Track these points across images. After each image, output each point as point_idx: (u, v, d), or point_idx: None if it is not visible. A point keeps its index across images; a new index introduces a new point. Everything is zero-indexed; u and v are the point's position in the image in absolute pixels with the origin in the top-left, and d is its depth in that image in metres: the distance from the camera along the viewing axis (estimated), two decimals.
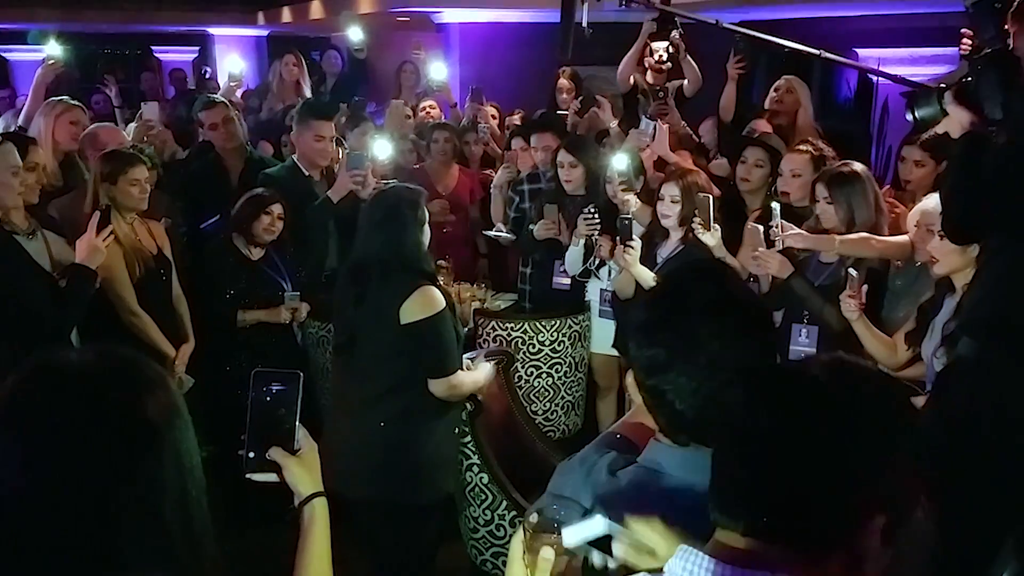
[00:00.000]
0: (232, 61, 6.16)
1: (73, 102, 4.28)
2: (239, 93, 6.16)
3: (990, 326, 2.37)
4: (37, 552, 1.02)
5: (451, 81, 8.50)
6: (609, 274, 4.09)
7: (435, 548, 3.12)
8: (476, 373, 3.13)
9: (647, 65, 5.52)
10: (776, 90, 4.94)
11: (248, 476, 1.45)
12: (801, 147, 3.80)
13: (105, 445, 1.03)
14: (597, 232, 3.95)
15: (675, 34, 4.92)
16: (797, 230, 3.23)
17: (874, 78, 6.48)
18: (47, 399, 1.05)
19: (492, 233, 4.74)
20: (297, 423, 1.46)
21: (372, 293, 2.89)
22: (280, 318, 3.85)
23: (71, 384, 1.06)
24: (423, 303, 2.82)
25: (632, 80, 5.49)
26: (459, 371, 2.98)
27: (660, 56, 5.45)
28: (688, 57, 5.27)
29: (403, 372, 2.88)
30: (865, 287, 3.01)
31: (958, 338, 2.56)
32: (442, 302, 2.86)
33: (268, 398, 1.45)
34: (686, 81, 5.44)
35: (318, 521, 1.47)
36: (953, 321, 2.70)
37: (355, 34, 7.02)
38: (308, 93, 5.94)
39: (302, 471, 1.46)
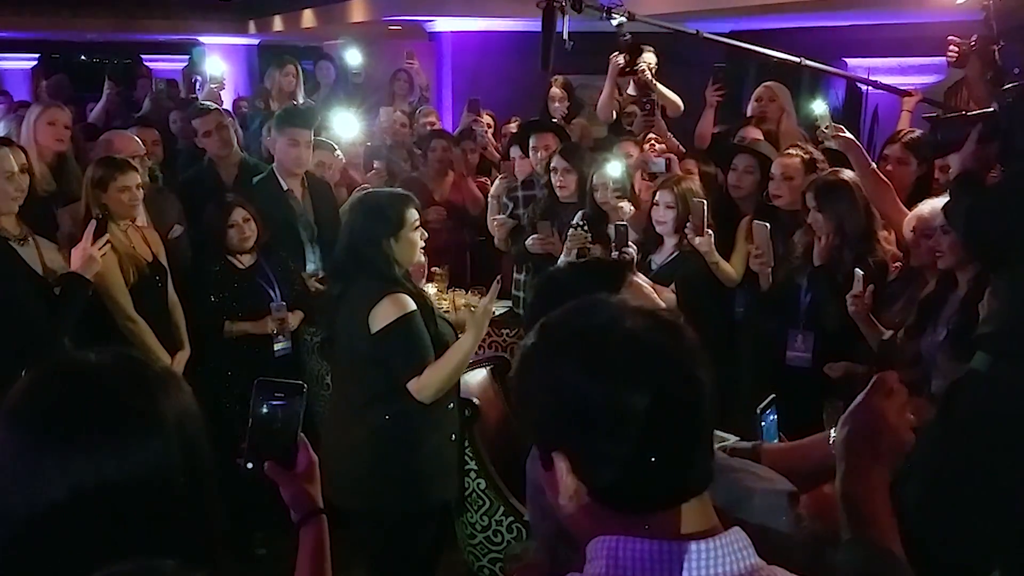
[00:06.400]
0: (213, 63, 6.13)
1: (52, 103, 4.23)
2: (225, 97, 6.13)
3: (1005, 343, 2.39)
4: (45, 548, 1.02)
5: (444, 90, 8.55)
6: None
7: (432, 556, 3.09)
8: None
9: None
10: (758, 100, 4.84)
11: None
12: (792, 151, 3.83)
13: (118, 443, 1.03)
14: (588, 244, 3.93)
15: (645, 71, 4.80)
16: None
17: (863, 87, 6.54)
18: (59, 396, 1.05)
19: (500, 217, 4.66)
20: (299, 437, 1.41)
21: (346, 294, 2.89)
22: (266, 329, 3.78)
23: (84, 382, 1.07)
24: (391, 308, 2.79)
25: (613, 113, 5.35)
26: None
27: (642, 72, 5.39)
28: (662, 89, 5.03)
29: (384, 381, 2.85)
30: (871, 287, 3.04)
31: (967, 343, 2.57)
32: (411, 305, 2.83)
33: (269, 410, 1.40)
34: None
35: (317, 541, 1.42)
36: (959, 316, 2.71)
37: (353, 58, 6.96)
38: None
39: (301, 488, 1.41)
